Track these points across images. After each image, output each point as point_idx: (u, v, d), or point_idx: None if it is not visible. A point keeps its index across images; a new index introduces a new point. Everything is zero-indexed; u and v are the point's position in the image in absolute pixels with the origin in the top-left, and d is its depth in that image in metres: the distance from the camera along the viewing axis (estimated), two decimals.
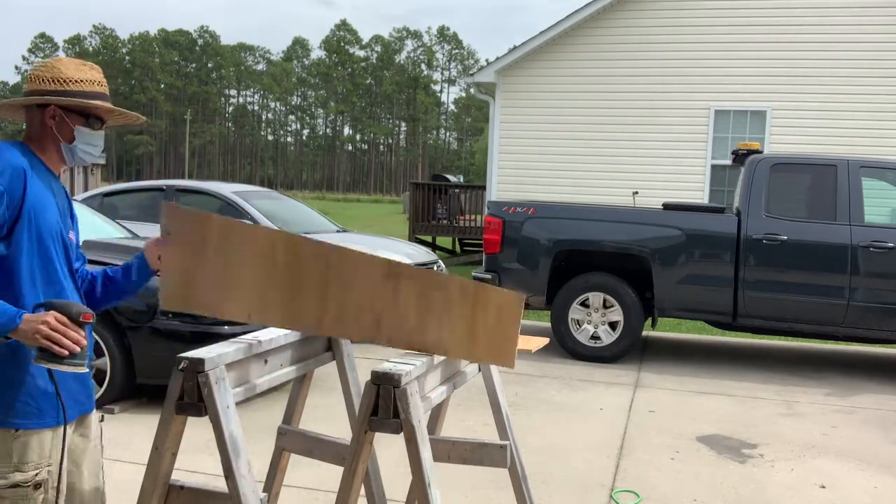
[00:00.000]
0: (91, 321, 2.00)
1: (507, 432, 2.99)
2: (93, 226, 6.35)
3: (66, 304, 1.95)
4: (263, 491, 3.03)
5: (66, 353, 1.93)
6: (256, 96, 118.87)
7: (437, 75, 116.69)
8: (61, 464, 2.16)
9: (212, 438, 4.58)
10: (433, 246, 16.80)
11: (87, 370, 2.11)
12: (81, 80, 2.15)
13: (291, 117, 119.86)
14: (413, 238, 15.25)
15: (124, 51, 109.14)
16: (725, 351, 8.36)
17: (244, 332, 4.55)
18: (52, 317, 1.92)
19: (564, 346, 7.53)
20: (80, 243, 2.14)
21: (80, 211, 6.55)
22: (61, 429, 2.15)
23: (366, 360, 6.70)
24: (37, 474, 2.12)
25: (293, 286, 2.21)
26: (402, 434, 2.19)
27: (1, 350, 2.04)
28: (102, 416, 2.50)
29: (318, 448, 2.88)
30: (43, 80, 2.12)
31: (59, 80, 2.12)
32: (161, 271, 2.20)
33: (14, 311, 1.92)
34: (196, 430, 4.69)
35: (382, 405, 2.20)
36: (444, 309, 2.24)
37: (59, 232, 2.14)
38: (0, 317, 1.90)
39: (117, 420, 5.13)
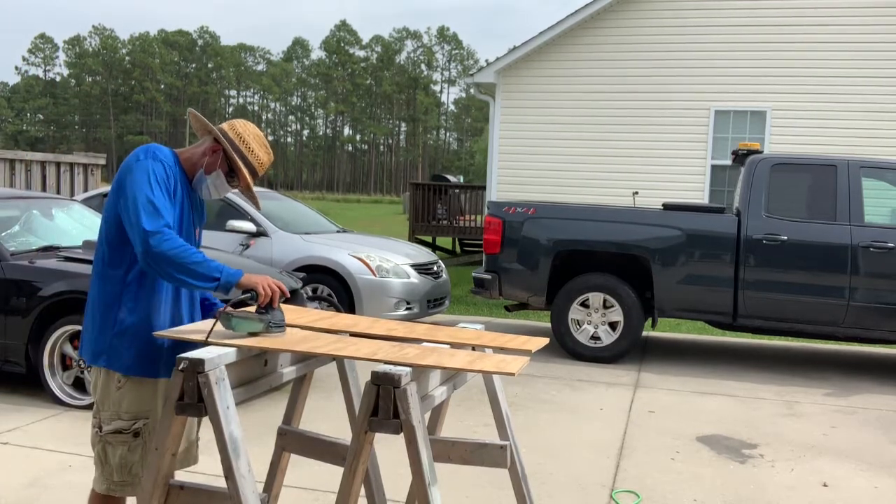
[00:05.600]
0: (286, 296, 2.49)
1: (507, 432, 2.99)
2: (93, 226, 6.34)
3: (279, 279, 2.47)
4: (263, 491, 3.03)
5: (278, 298, 2.40)
6: (256, 97, 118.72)
7: (436, 76, 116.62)
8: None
9: (212, 438, 4.58)
10: (433, 246, 16.79)
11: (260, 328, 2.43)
12: (255, 153, 2.59)
13: (291, 118, 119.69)
14: (413, 238, 15.25)
15: (124, 51, 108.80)
16: (725, 351, 8.36)
17: None
18: (269, 278, 2.42)
19: (564, 346, 7.52)
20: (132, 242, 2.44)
21: (81, 211, 6.55)
22: (160, 382, 2.43)
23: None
24: (134, 423, 2.40)
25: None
26: (402, 434, 2.19)
27: (118, 295, 2.38)
28: None
29: (318, 448, 2.88)
30: (235, 130, 2.60)
31: (242, 140, 2.59)
32: None
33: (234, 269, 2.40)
34: None
35: (382, 405, 2.20)
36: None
37: (187, 225, 2.56)
38: (235, 273, 2.36)
39: None
